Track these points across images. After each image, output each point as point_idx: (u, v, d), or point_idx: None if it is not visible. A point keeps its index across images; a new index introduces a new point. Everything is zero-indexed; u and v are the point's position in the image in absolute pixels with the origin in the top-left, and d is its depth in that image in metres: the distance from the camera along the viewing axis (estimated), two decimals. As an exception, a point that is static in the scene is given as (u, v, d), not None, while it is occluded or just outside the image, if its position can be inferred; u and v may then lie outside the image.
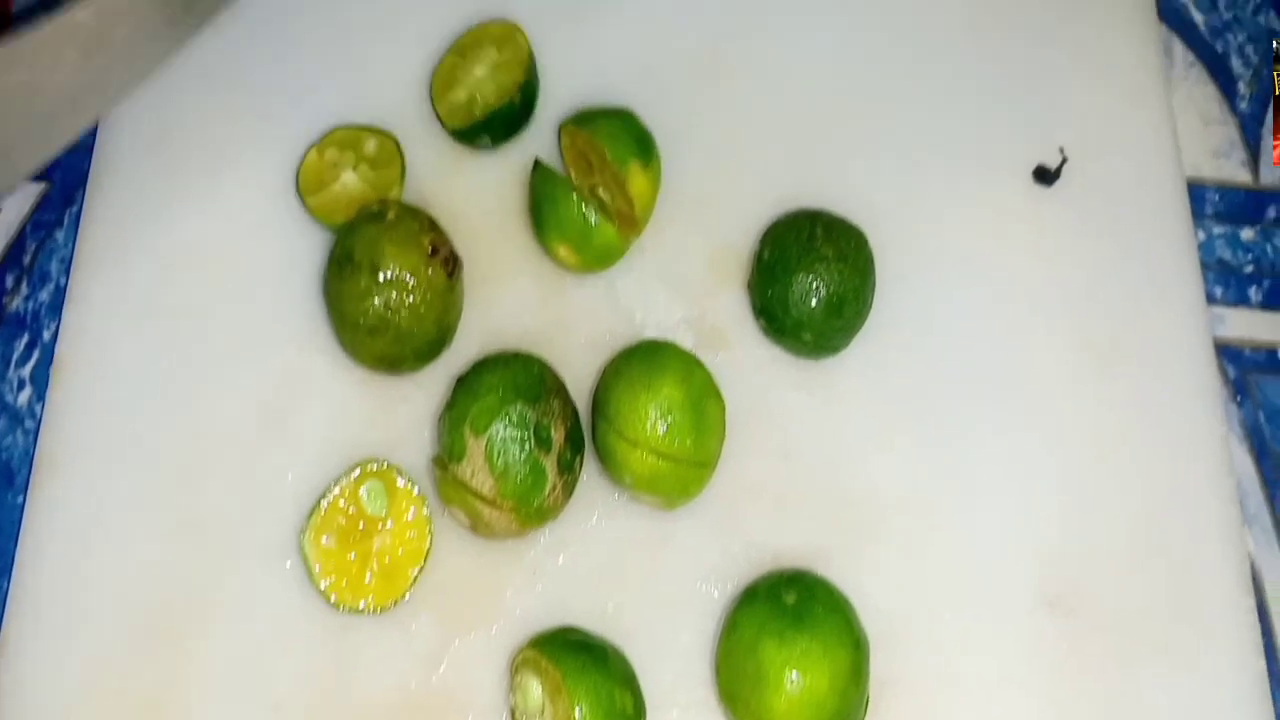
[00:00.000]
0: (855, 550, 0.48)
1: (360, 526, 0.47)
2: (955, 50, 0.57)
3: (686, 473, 0.46)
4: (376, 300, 0.46)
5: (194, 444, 0.49)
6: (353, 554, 0.47)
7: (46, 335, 0.53)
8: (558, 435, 0.46)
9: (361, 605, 0.46)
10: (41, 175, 0.55)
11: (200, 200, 0.53)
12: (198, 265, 0.52)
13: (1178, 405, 0.52)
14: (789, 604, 0.44)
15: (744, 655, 0.43)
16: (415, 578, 0.46)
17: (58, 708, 0.46)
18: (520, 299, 0.52)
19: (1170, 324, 0.53)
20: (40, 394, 0.52)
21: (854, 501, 0.49)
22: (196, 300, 0.52)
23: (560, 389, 0.47)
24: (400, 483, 0.48)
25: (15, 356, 0.53)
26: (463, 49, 0.54)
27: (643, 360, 0.47)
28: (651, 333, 0.51)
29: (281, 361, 0.51)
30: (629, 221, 0.49)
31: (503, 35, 0.53)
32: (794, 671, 0.42)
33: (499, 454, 0.44)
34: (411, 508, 0.47)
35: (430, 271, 0.47)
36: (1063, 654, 0.48)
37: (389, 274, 0.46)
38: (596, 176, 0.49)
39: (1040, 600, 0.48)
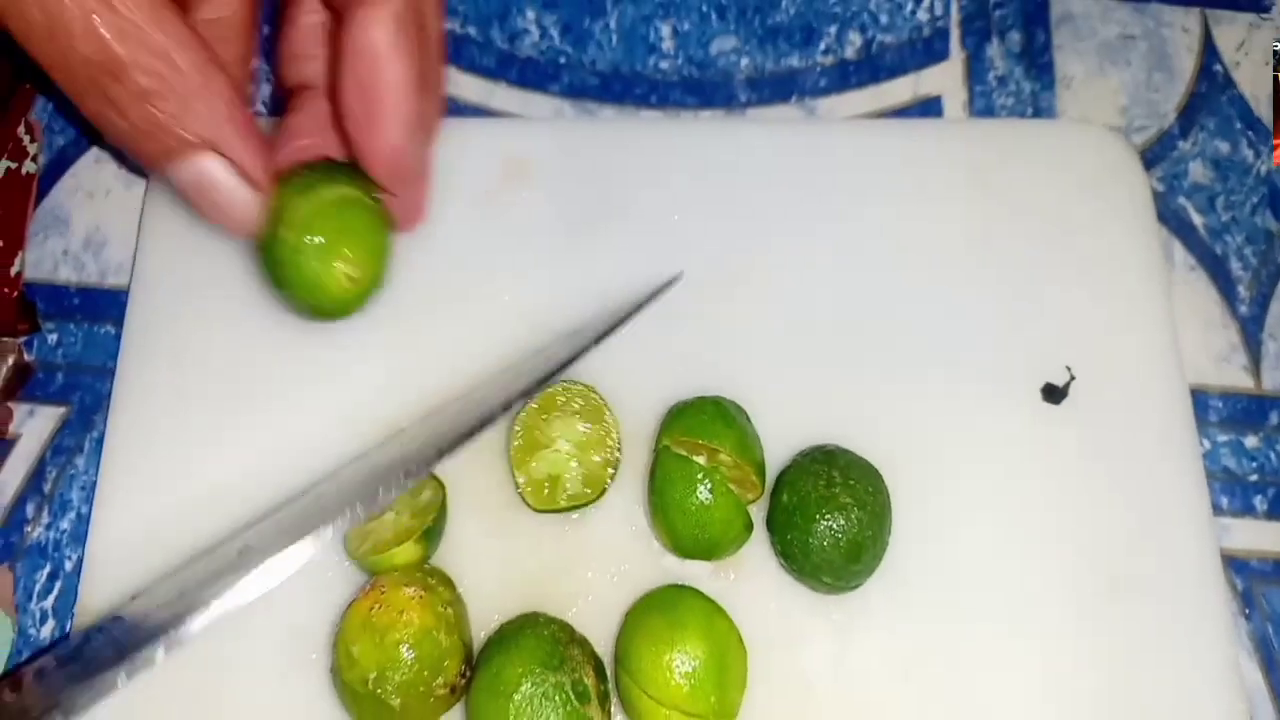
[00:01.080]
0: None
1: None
2: (962, 271, 0.58)
3: (710, 727, 0.46)
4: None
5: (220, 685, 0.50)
6: None
7: (69, 566, 0.53)
8: (589, 680, 0.46)
9: None
10: (61, 399, 0.56)
11: (225, 431, 0.54)
12: (221, 500, 0.53)
13: (1189, 624, 0.53)
14: None
15: None
16: None
17: None
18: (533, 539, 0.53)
19: (1179, 538, 0.54)
20: (62, 627, 0.52)
21: (872, 735, 0.50)
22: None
23: (572, 634, 0.48)
24: None
25: (37, 589, 0.53)
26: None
27: (663, 613, 0.48)
28: (671, 563, 0.52)
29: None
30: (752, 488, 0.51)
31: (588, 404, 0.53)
32: None
33: None
34: None
35: (436, 698, 0.47)
36: None
37: (394, 693, 0.45)
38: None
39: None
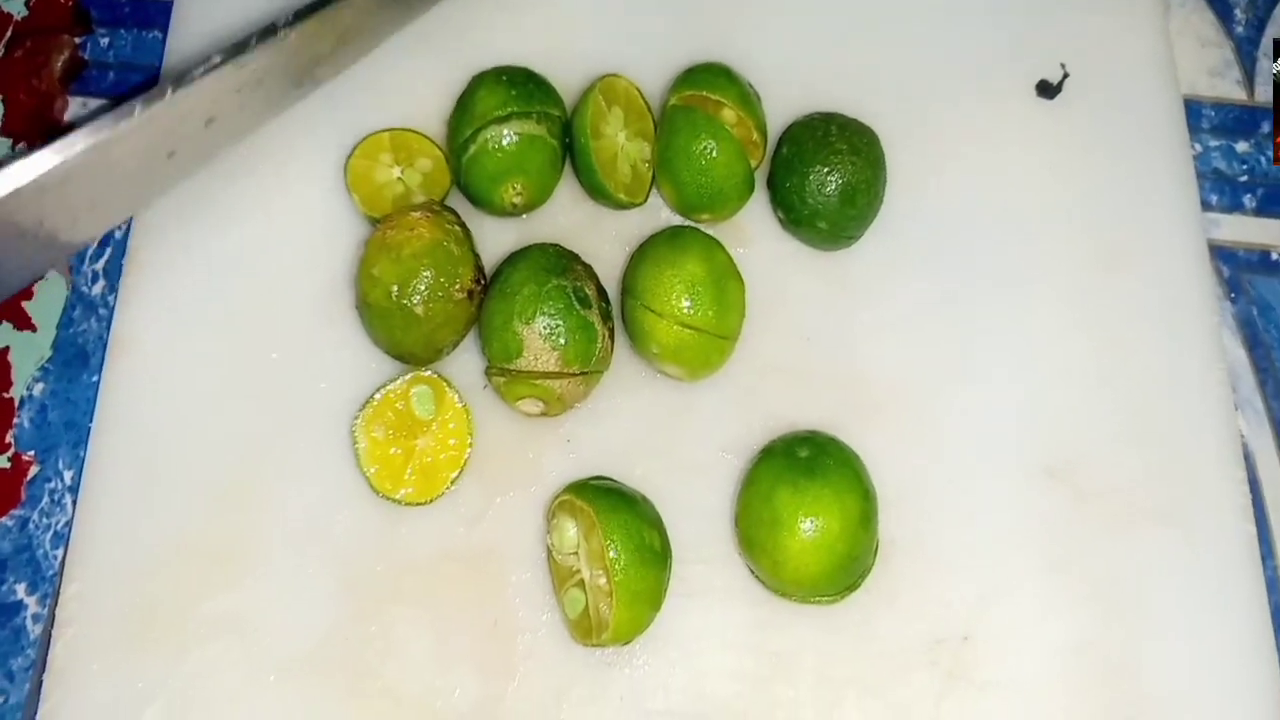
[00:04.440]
0: (866, 423, 0.52)
1: (407, 425, 0.50)
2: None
3: (709, 344, 0.49)
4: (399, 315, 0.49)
5: (257, 322, 0.54)
6: (396, 449, 0.50)
7: (118, 234, 0.57)
8: (591, 291, 0.50)
9: (399, 495, 0.50)
10: (112, 94, 0.60)
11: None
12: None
13: (1174, 297, 0.55)
14: (802, 457, 0.47)
15: (761, 504, 0.47)
16: (451, 482, 0.50)
17: (127, 558, 0.50)
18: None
19: (1167, 224, 0.57)
20: (113, 286, 0.56)
21: (866, 379, 0.53)
22: (255, 224, 0.56)
23: (577, 257, 0.51)
24: (448, 393, 0.51)
25: (90, 252, 0.57)
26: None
27: (667, 242, 0.51)
28: (673, 220, 0.55)
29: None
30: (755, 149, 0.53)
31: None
32: (808, 516, 0.45)
33: (553, 329, 0.48)
34: (455, 418, 0.50)
35: (455, 302, 0.50)
36: (1062, 519, 0.51)
37: (419, 300, 0.49)
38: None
39: (1041, 470, 0.52)
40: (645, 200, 0.55)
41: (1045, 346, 0.54)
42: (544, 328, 0.48)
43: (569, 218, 0.56)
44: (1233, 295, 0.57)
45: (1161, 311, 0.55)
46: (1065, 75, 0.59)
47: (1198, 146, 0.60)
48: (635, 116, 0.55)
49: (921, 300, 0.54)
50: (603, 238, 0.55)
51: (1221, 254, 0.58)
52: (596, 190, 0.54)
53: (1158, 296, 0.55)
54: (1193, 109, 0.60)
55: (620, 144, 0.54)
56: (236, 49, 0.48)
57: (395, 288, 0.49)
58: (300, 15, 0.49)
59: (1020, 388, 0.53)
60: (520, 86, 0.53)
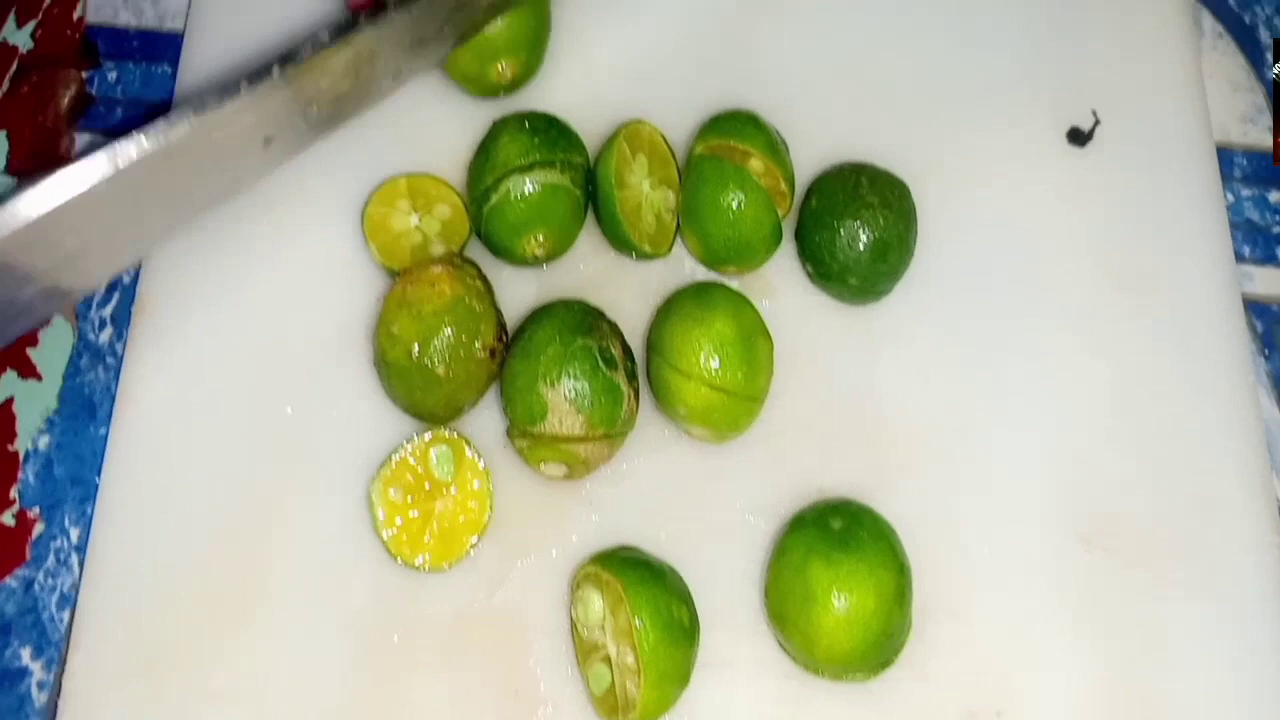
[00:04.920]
0: (896, 484, 0.51)
1: (426, 487, 0.49)
2: (992, 13, 0.59)
3: (737, 405, 0.48)
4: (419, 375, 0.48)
5: (271, 374, 0.52)
6: (414, 512, 0.49)
7: (126, 279, 0.56)
8: (616, 350, 0.48)
9: (418, 561, 0.48)
10: (120, 130, 0.58)
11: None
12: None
13: (1208, 355, 0.54)
14: (835, 529, 0.46)
15: (793, 577, 0.46)
16: (472, 546, 0.48)
17: (136, 621, 0.48)
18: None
19: (1200, 277, 0.55)
20: (120, 333, 0.55)
21: (895, 438, 0.52)
22: (268, 271, 0.55)
23: (602, 314, 0.50)
24: (468, 453, 0.49)
25: (97, 297, 0.55)
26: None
27: (694, 299, 0.49)
28: (699, 273, 0.54)
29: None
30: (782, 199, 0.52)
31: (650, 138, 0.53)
32: (841, 592, 0.44)
33: (579, 393, 0.46)
34: (476, 479, 0.49)
35: (477, 361, 0.48)
36: (1094, 588, 0.50)
37: (440, 359, 0.47)
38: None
39: (1074, 535, 0.50)
40: (669, 251, 0.53)
41: (1076, 405, 0.53)
42: (569, 391, 0.46)
43: (590, 265, 0.54)
44: (1266, 352, 0.56)
45: (1195, 369, 0.54)
46: (1097, 122, 0.57)
47: (1230, 196, 0.59)
48: (659, 163, 0.53)
49: (950, 354, 0.53)
50: (625, 288, 0.54)
51: (1255, 308, 0.57)
52: (620, 241, 0.52)
53: (1191, 353, 0.54)
54: (1224, 157, 0.59)
55: (645, 193, 0.52)
56: (258, 75, 0.46)
57: (415, 347, 0.47)
58: (318, 46, 0.47)
59: (1051, 448, 0.52)
60: (542, 134, 0.51)
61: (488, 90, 0.55)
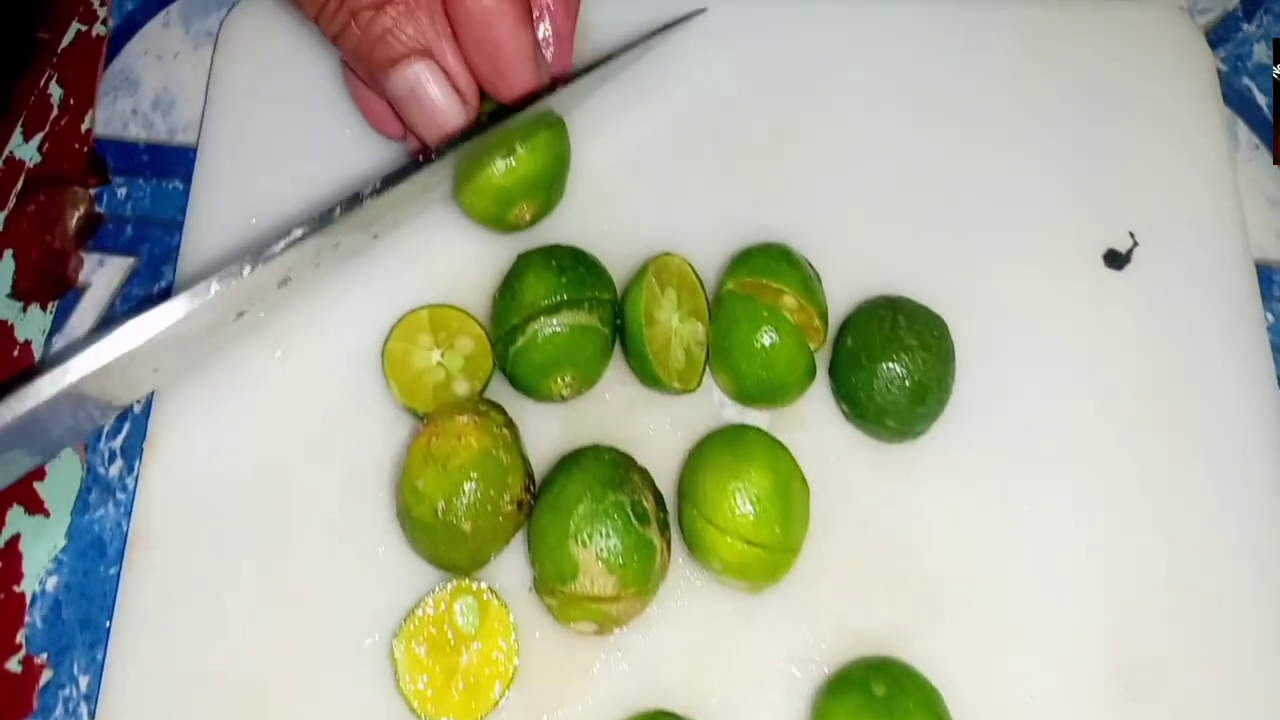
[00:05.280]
0: (936, 630, 0.49)
1: (450, 639, 0.47)
2: (1024, 137, 0.58)
3: (774, 559, 0.46)
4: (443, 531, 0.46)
5: (287, 517, 0.50)
6: (438, 667, 0.47)
7: (136, 409, 0.54)
8: (649, 504, 0.47)
9: None
10: (130, 250, 0.57)
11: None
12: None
13: (1253, 490, 0.53)
14: (879, 695, 0.44)
15: (836, 745, 0.44)
16: (499, 699, 0.46)
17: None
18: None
19: (1242, 405, 0.54)
20: (130, 467, 0.53)
21: (934, 582, 0.50)
22: (284, 408, 0.53)
23: (632, 462, 0.48)
24: (494, 605, 0.48)
25: (106, 429, 0.54)
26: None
27: (728, 446, 0.48)
28: (731, 414, 0.52)
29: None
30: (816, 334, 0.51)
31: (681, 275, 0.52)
32: (886, 763, 0.43)
33: (611, 553, 0.45)
34: (501, 633, 0.47)
35: (505, 515, 0.47)
36: (1142, 741, 0.48)
37: (466, 516, 0.46)
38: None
39: (1119, 682, 0.49)
40: (699, 386, 0.52)
41: (1122, 547, 0.51)
42: (601, 550, 0.45)
43: (617, 397, 0.53)
44: (1309, 480, 0.55)
45: (1238, 502, 0.52)
46: (1134, 244, 0.56)
47: (1270, 316, 0.57)
48: (688, 294, 0.52)
49: (988, 492, 0.52)
50: (653, 422, 0.52)
51: (1297, 434, 0.55)
52: (650, 379, 0.51)
53: (1234, 485, 0.53)
54: (1264, 274, 0.58)
55: (674, 327, 0.51)
56: (321, 220, 0.45)
57: (441, 504, 0.46)
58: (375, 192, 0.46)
59: (1096, 592, 0.50)
60: (570, 271, 0.50)
61: (509, 229, 0.54)
